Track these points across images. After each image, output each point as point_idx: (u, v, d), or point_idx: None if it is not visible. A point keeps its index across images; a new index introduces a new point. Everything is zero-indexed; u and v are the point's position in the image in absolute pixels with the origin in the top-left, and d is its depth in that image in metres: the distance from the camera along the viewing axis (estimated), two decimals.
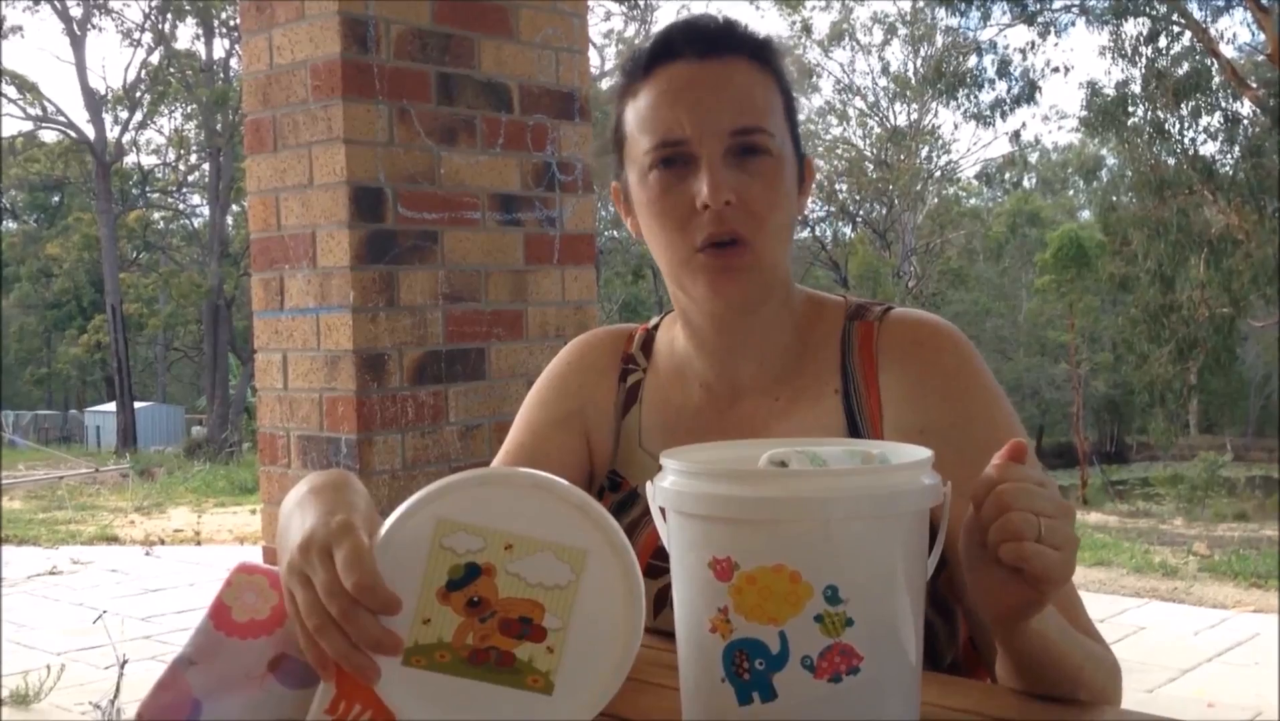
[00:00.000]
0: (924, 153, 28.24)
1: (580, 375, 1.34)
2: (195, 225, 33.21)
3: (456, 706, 0.83)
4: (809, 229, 27.32)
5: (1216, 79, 17.11)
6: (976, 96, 20.75)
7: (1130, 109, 17.94)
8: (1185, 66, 17.46)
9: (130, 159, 29.73)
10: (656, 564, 1.16)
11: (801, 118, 1.25)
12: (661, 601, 1.17)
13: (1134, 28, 17.72)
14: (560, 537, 0.84)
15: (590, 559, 0.84)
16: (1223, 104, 17.32)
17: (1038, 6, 18.91)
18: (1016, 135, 27.28)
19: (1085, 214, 34.03)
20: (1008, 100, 20.64)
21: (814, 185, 1.29)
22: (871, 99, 29.37)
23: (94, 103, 27.56)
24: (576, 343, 1.39)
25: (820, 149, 27.69)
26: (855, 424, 1.18)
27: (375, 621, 0.80)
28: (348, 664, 0.81)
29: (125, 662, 4.46)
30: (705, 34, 1.17)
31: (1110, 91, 18.28)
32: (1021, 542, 0.83)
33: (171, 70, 28.03)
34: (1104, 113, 17.97)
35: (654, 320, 1.37)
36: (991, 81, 20.64)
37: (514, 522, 0.83)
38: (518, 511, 0.84)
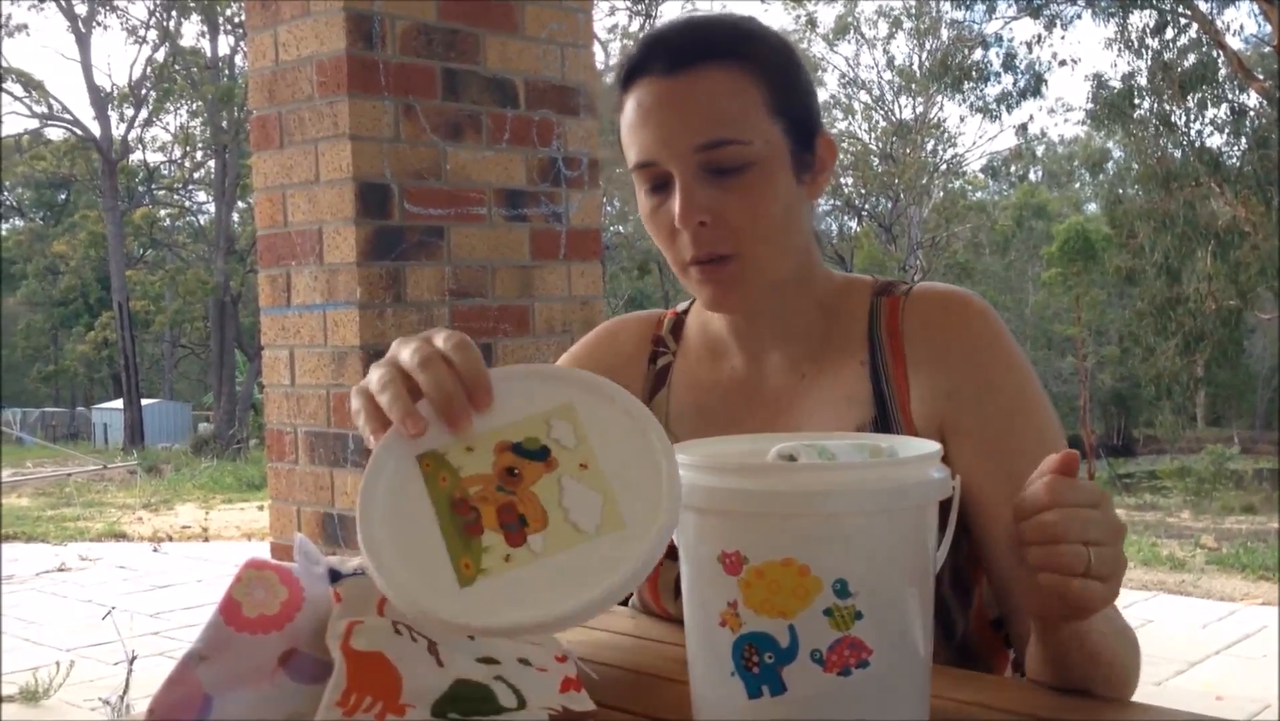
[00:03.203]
0: (929, 146, 28.17)
1: (599, 364, 1.32)
2: (201, 222, 33.27)
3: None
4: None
5: (1223, 71, 17.07)
6: (982, 90, 20.80)
7: (1136, 101, 17.91)
8: (1191, 58, 17.43)
9: (136, 156, 29.88)
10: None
11: (822, 95, 1.22)
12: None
13: (1140, 20, 17.69)
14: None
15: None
16: (1229, 96, 17.29)
17: None
18: (1023, 128, 27.43)
19: (1091, 207, 33.96)
20: (1013, 93, 20.64)
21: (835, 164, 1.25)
22: (877, 93, 29.31)
23: (99, 100, 27.62)
24: (599, 330, 1.39)
25: None
26: (882, 394, 1.18)
27: (460, 388, 0.83)
28: (439, 394, 0.83)
29: (134, 659, 4.48)
30: (672, 46, 1.13)
31: (1116, 84, 18.26)
32: (1067, 580, 0.82)
33: (177, 67, 28.08)
34: (1110, 105, 17.94)
35: (683, 305, 1.36)
36: (997, 74, 20.64)
37: (602, 449, 0.82)
38: (608, 442, 0.83)
